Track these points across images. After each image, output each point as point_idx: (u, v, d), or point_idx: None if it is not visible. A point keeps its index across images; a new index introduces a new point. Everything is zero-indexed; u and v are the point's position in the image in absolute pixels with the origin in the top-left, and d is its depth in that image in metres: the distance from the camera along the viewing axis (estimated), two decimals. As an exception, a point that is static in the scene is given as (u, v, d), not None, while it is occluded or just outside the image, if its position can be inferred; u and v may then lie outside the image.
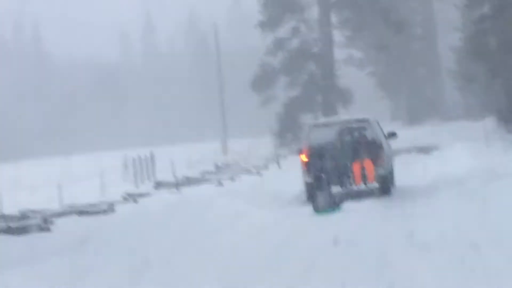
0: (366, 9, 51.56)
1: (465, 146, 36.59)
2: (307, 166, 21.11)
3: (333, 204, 18.88)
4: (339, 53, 59.47)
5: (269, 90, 53.72)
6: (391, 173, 22.58)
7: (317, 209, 18.72)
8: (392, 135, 23.90)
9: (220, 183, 27.41)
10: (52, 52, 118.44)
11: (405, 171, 26.30)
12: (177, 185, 25.43)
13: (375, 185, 21.21)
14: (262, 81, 53.61)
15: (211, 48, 75.42)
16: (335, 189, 20.37)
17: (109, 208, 20.82)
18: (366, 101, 66.69)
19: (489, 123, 46.66)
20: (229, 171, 34.47)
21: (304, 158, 21.40)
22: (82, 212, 20.90)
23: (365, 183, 20.98)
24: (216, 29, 63.55)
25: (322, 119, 26.52)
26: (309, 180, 20.91)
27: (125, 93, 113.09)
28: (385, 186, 21.44)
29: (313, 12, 54.55)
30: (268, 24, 53.34)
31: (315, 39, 54.49)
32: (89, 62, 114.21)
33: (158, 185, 28.43)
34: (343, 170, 20.85)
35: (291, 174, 26.84)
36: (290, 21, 53.90)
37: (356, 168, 20.79)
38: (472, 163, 27.31)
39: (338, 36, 59.04)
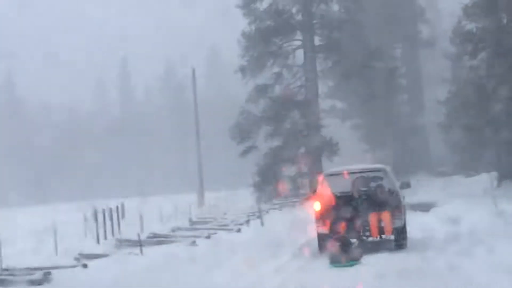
0: (355, 53, 47.27)
1: (469, 203, 32.30)
2: (321, 216, 20.24)
3: (353, 258, 17.75)
4: (321, 104, 55.16)
5: (249, 139, 49.14)
6: (405, 226, 21.01)
7: (335, 262, 17.63)
8: (406, 185, 22.75)
9: (193, 243, 22.66)
10: (25, 98, 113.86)
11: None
12: (140, 244, 20.56)
13: (390, 237, 20.42)
14: (242, 130, 49.11)
15: (189, 98, 71.28)
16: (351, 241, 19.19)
17: (44, 278, 15.87)
18: (349, 154, 62.33)
19: (488, 179, 42.50)
20: (205, 227, 29.68)
21: (317, 207, 20.46)
22: (3, 281, 16.02)
23: (381, 236, 20.22)
24: (193, 74, 59.04)
25: (336, 168, 23.80)
26: (323, 230, 20.15)
27: (100, 142, 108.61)
28: (401, 239, 20.50)
29: (298, 58, 50.20)
30: (249, 69, 48.98)
31: (299, 86, 50.12)
32: (64, 108, 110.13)
33: (120, 243, 23.54)
34: (359, 221, 19.93)
35: (277, 232, 25.06)
36: (273, 66, 49.57)
37: (373, 219, 19.89)
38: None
39: (320, 86, 54.88)
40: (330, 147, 48.84)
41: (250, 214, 36.29)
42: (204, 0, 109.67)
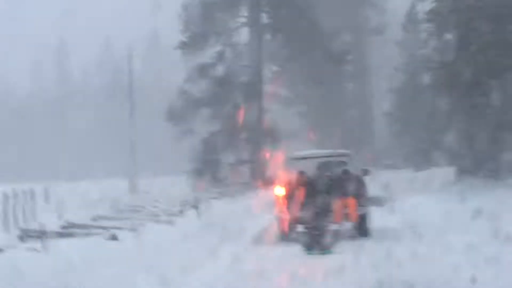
0: (304, 35, 43.15)
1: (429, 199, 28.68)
2: (283, 201, 19.27)
3: (326, 246, 16.68)
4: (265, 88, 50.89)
5: (186, 122, 44.71)
6: (368, 213, 19.92)
7: (309, 249, 16.67)
8: (366, 171, 21.05)
9: (113, 236, 18.27)
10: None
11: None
12: (43, 237, 16.07)
13: (353, 224, 19.40)
14: (180, 112, 44.66)
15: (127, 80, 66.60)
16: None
17: None
18: (293, 143, 58.38)
19: (441, 173, 39.02)
20: (132, 216, 25.21)
21: (280, 191, 19.48)
22: None
23: (345, 222, 19.22)
24: (129, 55, 54.17)
25: (300, 152, 22.62)
26: (286, 216, 19.18)
27: (35, 124, 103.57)
28: (364, 226, 19.41)
29: (243, 36, 45.90)
30: (190, 45, 44.56)
31: (243, 66, 45.80)
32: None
33: (25, 234, 18.95)
34: (323, 206, 18.27)
35: (215, 223, 22.20)
36: (215, 44, 45.17)
37: (337, 205, 18.81)
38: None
39: (265, 70, 50.65)
40: (274, 134, 44.72)
41: (186, 203, 31.96)
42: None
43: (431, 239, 17.45)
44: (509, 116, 32.20)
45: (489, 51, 31.26)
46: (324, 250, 16.60)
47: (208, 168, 43.50)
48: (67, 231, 20.12)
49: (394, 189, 37.59)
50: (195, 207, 26.48)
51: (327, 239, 16.95)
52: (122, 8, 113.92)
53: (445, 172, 39.54)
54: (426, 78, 53.91)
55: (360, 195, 19.55)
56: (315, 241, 16.87)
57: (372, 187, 35.17)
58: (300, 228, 19.09)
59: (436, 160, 45.62)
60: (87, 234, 19.11)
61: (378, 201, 30.68)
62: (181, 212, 26.80)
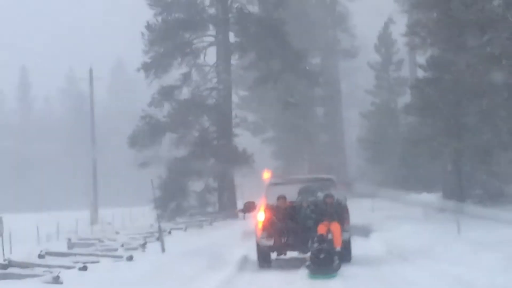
0: (274, 55, 39.95)
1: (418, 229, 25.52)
2: (265, 227, 18.42)
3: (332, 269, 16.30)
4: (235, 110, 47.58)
5: (151, 148, 41.24)
6: (350, 238, 19.28)
7: (314, 274, 16.13)
8: (350, 185, 22.64)
9: (56, 279, 14.71)
10: None
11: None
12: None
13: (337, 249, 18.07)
14: (143, 137, 41.15)
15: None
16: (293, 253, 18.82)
17: None
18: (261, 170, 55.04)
19: (423, 200, 35.91)
20: (86, 251, 21.59)
21: (261, 217, 18.58)
22: None
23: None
24: (90, 75, 50.73)
25: (282, 177, 22.98)
26: (267, 243, 18.43)
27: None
28: (348, 251, 18.67)
29: (210, 56, 42.63)
30: (154, 67, 41.10)
31: (210, 88, 42.47)
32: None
33: None
34: (307, 232, 17.99)
35: (183, 261, 18.71)
36: (181, 65, 41.88)
37: (321, 231, 17.89)
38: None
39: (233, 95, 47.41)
40: (244, 159, 41.36)
41: (149, 235, 28.40)
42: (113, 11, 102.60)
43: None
44: (498, 138, 29.07)
45: (477, 67, 28.19)
46: (329, 274, 16.20)
47: (173, 196, 39.95)
48: (4, 272, 16.49)
49: (374, 217, 34.59)
50: (159, 240, 22.89)
51: (332, 263, 16.51)
52: (86, 35, 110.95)
53: (427, 199, 36.45)
54: (401, 100, 51.18)
55: (343, 220, 18.60)
56: (320, 265, 16.35)
57: (353, 216, 32.15)
58: (283, 254, 18.96)
59: (415, 186, 42.44)
60: (26, 276, 15.52)
61: (363, 231, 27.61)
62: (143, 245, 23.20)
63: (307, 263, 16.70)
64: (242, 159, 41.89)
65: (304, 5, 54.37)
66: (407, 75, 52.92)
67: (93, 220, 48.94)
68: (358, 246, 22.48)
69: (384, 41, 50.70)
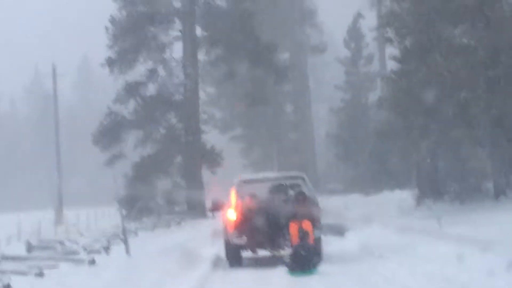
0: (242, 49, 38.51)
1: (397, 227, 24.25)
2: (236, 226, 17.83)
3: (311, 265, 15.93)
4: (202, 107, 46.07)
5: (116, 145, 39.64)
6: (320, 236, 18.53)
7: (293, 271, 15.75)
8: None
9: (7, 287, 13.16)
10: None
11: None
12: None
13: None
14: (108, 135, 39.51)
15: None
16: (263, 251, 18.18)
17: None
18: (229, 168, 53.66)
19: (397, 197, 34.66)
20: (45, 255, 19.96)
21: (232, 216, 17.99)
22: None
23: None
24: (54, 73, 48.90)
25: (252, 174, 23.37)
26: (239, 241, 17.86)
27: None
28: (320, 249, 17.81)
29: (176, 51, 41.04)
30: (119, 62, 39.46)
31: (176, 84, 40.90)
32: None
33: None
34: (278, 230, 17.64)
35: (149, 264, 17.51)
36: (146, 61, 40.25)
37: (293, 228, 17.34)
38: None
39: (200, 91, 45.85)
40: (212, 157, 39.87)
41: (114, 236, 26.76)
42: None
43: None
44: (475, 132, 27.79)
45: (456, 58, 26.94)
46: (309, 270, 15.93)
47: (140, 195, 38.32)
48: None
49: (348, 215, 33.22)
50: (124, 241, 21.32)
51: (312, 259, 16.17)
52: (52, 34, 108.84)
53: (401, 196, 35.20)
54: (372, 96, 49.95)
55: (315, 218, 17.94)
56: (299, 262, 16.00)
57: (326, 214, 30.85)
58: (255, 253, 18.50)
59: (387, 183, 41.21)
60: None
61: (337, 230, 26.17)
62: (106, 248, 21.63)
63: (285, 259, 16.44)
64: (211, 156, 40.46)
65: (271, 1, 53.00)
66: (377, 70, 51.88)
67: (58, 221, 47.21)
68: (334, 245, 21.38)
69: (354, 36, 49.42)
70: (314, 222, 17.80)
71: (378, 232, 24.59)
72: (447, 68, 26.74)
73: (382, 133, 34.21)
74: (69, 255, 19.82)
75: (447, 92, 27.67)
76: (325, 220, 29.58)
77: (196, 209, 38.21)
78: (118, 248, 21.97)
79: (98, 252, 20.93)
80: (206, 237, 25.38)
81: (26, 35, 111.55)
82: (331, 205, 39.59)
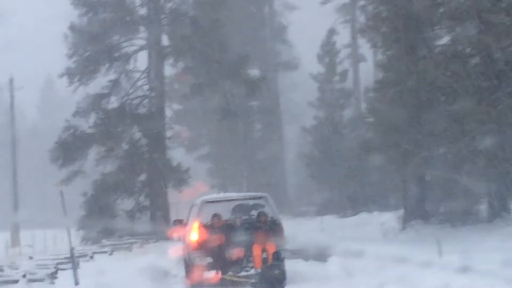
0: (212, 59, 35.28)
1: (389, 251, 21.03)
2: (199, 247, 17.26)
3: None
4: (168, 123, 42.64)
5: (75, 162, 36.14)
6: (284, 257, 17.60)
7: None
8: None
9: None
10: None
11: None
12: None
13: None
14: (66, 150, 35.97)
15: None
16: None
17: None
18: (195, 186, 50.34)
19: (383, 219, 31.50)
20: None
21: (195, 237, 17.44)
22: None
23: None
24: (11, 84, 45.44)
25: (214, 194, 20.34)
26: (202, 262, 17.23)
27: None
28: (283, 271, 16.36)
29: (141, 61, 37.62)
30: (78, 72, 35.99)
31: (141, 97, 37.51)
32: None
33: None
34: (242, 251, 17.16)
35: None
36: (108, 71, 36.85)
37: (256, 250, 17.04)
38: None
39: (167, 109, 42.53)
40: (178, 175, 36.47)
41: (66, 260, 23.17)
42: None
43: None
44: (471, 147, 24.64)
45: (446, 66, 23.89)
46: None
47: (99, 215, 34.76)
48: None
49: (330, 239, 29.92)
50: (74, 269, 17.79)
51: (284, 280, 15.83)
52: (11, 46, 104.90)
53: (381, 218, 32.04)
54: (346, 113, 47.03)
55: (278, 238, 17.75)
56: (271, 282, 15.55)
57: (302, 237, 28.15)
58: (216, 274, 17.58)
59: (365, 204, 38.07)
60: None
61: (319, 255, 22.86)
62: (52, 275, 18.08)
63: (253, 281, 16.15)
64: (177, 174, 37.04)
65: (241, 16, 49.90)
66: (351, 87, 49.10)
67: (14, 242, 43.63)
68: (316, 273, 18.65)
69: (328, 50, 46.33)
70: (278, 243, 17.48)
71: (367, 257, 21.41)
72: (440, 76, 23.69)
73: (367, 150, 30.96)
74: (5, 286, 16.23)
75: (439, 103, 24.64)
76: (302, 243, 26.56)
77: (161, 231, 34.78)
78: (67, 275, 18.47)
79: (41, 280, 17.44)
80: (170, 263, 22.05)
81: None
82: (305, 227, 36.43)
